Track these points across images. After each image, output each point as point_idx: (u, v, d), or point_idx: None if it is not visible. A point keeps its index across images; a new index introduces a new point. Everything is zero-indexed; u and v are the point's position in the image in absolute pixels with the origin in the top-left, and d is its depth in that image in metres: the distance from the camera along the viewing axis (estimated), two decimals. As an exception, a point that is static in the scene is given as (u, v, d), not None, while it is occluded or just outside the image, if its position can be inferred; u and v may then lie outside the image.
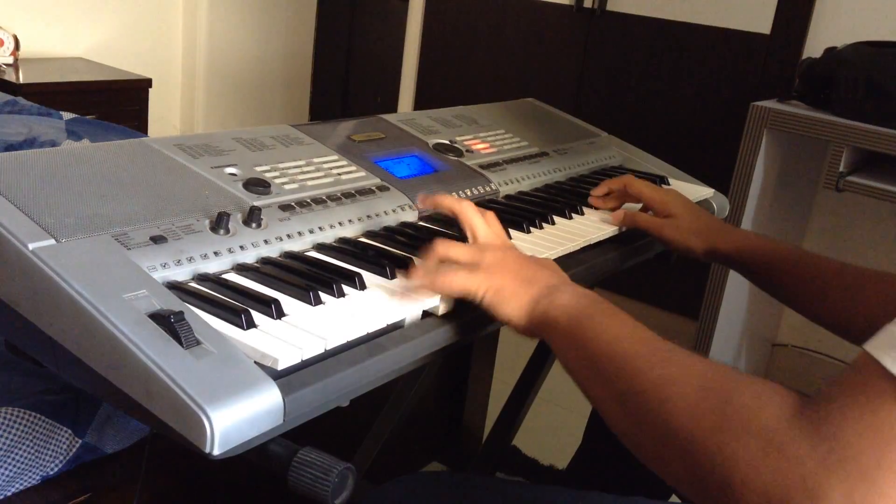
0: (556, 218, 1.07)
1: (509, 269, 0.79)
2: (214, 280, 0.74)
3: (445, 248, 0.81)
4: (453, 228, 0.97)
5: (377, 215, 0.95)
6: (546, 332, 0.76)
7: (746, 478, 0.55)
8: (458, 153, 1.16)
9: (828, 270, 0.98)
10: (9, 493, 0.92)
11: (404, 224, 0.97)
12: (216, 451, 0.56)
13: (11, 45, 3.07)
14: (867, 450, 0.51)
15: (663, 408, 0.62)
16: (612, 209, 1.14)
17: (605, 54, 2.65)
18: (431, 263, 0.80)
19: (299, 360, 0.64)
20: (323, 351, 0.66)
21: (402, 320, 0.75)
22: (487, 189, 1.11)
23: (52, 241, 0.67)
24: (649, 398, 0.64)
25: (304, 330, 0.68)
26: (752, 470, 0.55)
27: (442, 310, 0.78)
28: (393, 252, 0.87)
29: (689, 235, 1.06)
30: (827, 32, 2.24)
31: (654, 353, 0.67)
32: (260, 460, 0.64)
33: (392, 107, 3.38)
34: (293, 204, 0.88)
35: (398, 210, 0.97)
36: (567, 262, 0.97)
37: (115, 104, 3.10)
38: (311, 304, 0.73)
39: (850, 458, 0.51)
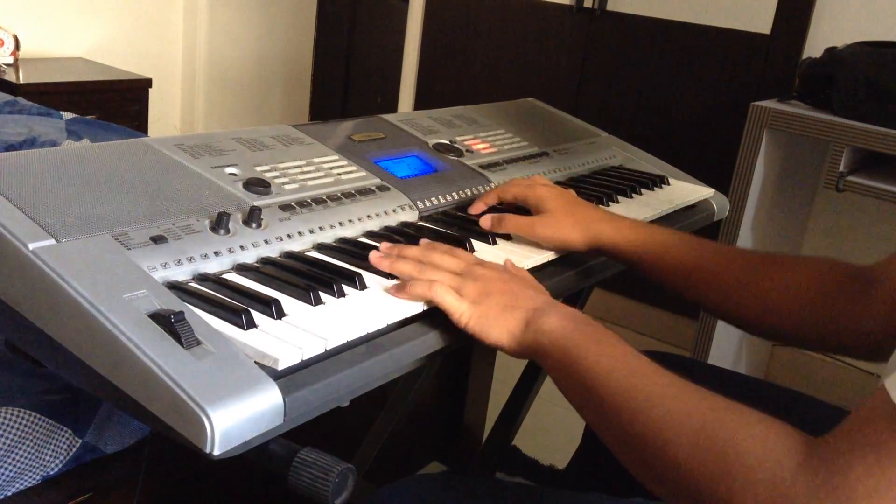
0: (556, 218, 1.07)
1: (492, 294, 0.78)
2: (214, 280, 0.74)
3: (430, 253, 0.81)
4: (452, 228, 0.98)
5: (377, 215, 0.95)
6: (538, 360, 0.76)
7: None
8: (458, 153, 1.16)
9: (719, 258, 0.92)
10: (9, 493, 0.92)
11: (404, 224, 0.97)
12: (216, 451, 0.56)
13: (11, 45, 3.07)
14: None
15: (666, 451, 0.61)
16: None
17: (605, 54, 2.65)
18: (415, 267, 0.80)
19: (299, 360, 0.64)
20: (323, 351, 0.66)
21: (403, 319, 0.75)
22: (487, 189, 1.11)
23: (52, 241, 0.67)
24: (650, 440, 0.63)
25: (304, 330, 0.68)
26: None
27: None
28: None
29: (565, 229, 0.96)
30: (827, 32, 2.24)
31: (651, 388, 0.65)
32: (260, 460, 0.64)
33: (392, 107, 3.38)
34: (293, 204, 0.88)
35: (398, 210, 0.97)
36: (566, 263, 0.97)
37: (115, 104, 3.10)
38: (311, 304, 0.73)
39: None
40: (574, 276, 0.97)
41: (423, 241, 0.87)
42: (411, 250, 0.84)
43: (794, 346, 0.86)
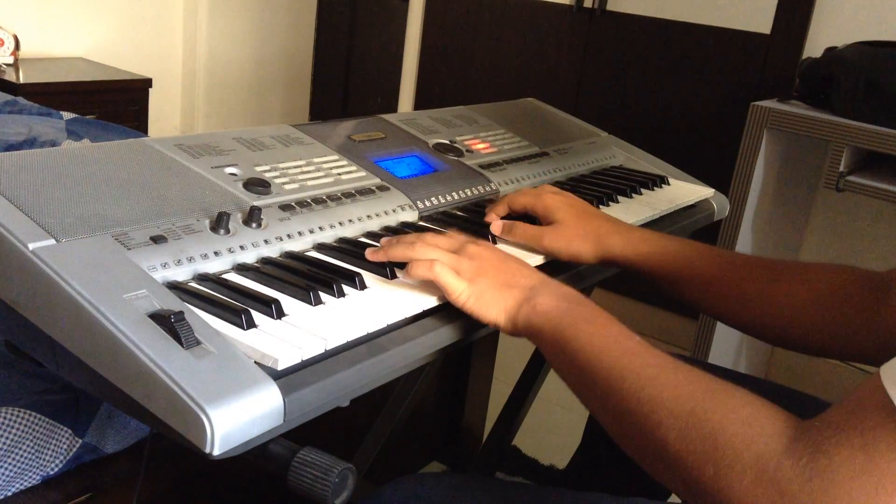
0: (556, 218, 1.07)
1: (487, 272, 0.78)
2: (215, 280, 0.74)
3: (423, 235, 0.83)
4: (452, 228, 0.97)
5: (377, 215, 0.95)
6: (532, 340, 0.76)
7: None
8: (459, 153, 1.16)
9: (738, 268, 0.91)
10: (9, 493, 0.92)
11: (404, 224, 0.97)
12: (216, 452, 0.56)
13: (11, 45, 3.07)
14: (859, 493, 0.50)
15: (656, 432, 0.62)
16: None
17: (605, 54, 2.65)
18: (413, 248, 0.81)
19: (299, 360, 0.64)
20: (323, 351, 0.66)
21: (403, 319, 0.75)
22: (487, 189, 1.11)
23: (52, 241, 0.67)
24: (640, 420, 0.63)
25: (304, 330, 0.68)
26: (746, 500, 0.55)
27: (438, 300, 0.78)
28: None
29: (575, 241, 0.93)
30: (827, 32, 2.24)
31: (643, 369, 0.65)
32: (260, 460, 0.64)
33: (392, 107, 3.38)
34: (293, 204, 0.88)
35: (398, 210, 0.97)
36: (565, 264, 0.97)
37: (115, 104, 3.10)
38: (311, 304, 0.73)
39: (841, 499, 0.51)
40: (569, 278, 0.97)
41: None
42: (407, 236, 0.85)
43: (815, 356, 0.86)
